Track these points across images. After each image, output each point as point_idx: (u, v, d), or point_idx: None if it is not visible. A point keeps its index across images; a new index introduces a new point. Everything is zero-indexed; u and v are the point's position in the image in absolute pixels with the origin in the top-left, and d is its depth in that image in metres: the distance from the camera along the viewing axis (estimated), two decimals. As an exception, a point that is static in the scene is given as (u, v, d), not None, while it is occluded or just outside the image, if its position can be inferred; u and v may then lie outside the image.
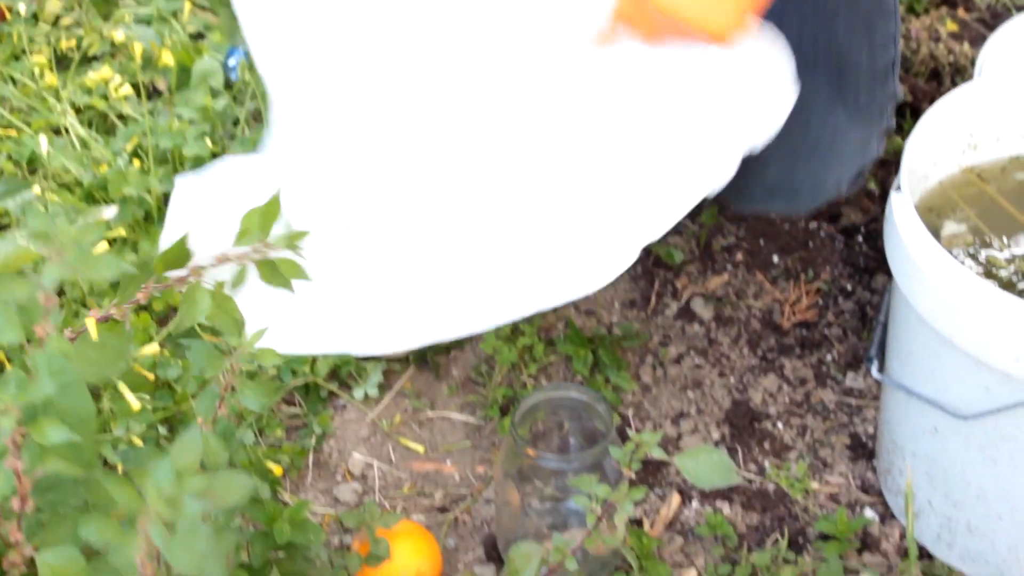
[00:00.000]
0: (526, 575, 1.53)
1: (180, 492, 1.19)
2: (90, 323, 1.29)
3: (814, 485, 1.77)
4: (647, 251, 2.00)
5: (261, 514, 1.46)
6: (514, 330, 1.89)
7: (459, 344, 1.89)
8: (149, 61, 2.19)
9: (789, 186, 1.54)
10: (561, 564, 1.51)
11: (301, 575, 1.49)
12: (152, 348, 1.50)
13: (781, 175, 1.52)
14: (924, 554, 1.70)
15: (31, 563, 1.21)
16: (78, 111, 2.12)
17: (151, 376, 1.54)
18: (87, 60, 2.26)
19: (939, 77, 2.21)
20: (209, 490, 1.28)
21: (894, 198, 1.56)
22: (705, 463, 1.44)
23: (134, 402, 1.46)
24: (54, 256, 1.20)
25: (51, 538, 1.24)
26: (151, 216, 1.91)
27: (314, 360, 1.84)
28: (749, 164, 1.50)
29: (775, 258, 2.01)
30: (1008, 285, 1.57)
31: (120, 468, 1.63)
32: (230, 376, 1.39)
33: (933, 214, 1.65)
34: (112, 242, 1.88)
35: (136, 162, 1.94)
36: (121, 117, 2.13)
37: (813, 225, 2.04)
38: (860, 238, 2.03)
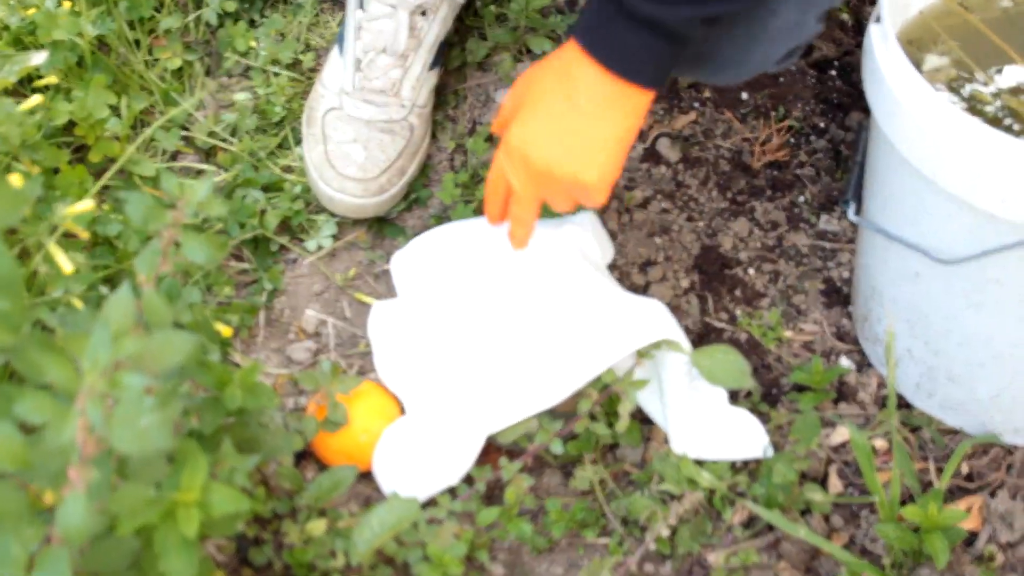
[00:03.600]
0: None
1: (117, 360, 1.11)
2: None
3: (788, 334, 1.70)
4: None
5: (210, 378, 1.37)
6: (473, 177, 1.80)
7: (417, 197, 1.79)
8: None
9: (714, 59, 1.50)
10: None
11: (255, 442, 1.42)
12: (86, 205, 1.40)
13: (707, 48, 1.47)
14: (903, 403, 1.64)
15: (-36, 440, 1.13)
16: (3, -50, 1.99)
17: (84, 234, 1.44)
18: None
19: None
20: (146, 352, 1.19)
21: (874, 30, 1.46)
22: (721, 362, 1.44)
23: (66, 264, 1.36)
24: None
25: (-13, 414, 1.16)
26: (84, 62, 1.80)
27: (263, 212, 1.75)
28: None
29: (744, 95, 1.92)
30: (994, 121, 1.48)
31: (58, 334, 1.55)
32: (173, 230, 1.30)
33: (913, 47, 1.56)
34: (44, 90, 1.76)
35: (66, 3, 1.81)
36: (49, -45, 2.01)
37: (783, 60, 1.95)
38: (833, 72, 1.94)
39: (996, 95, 1.51)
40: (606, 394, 1.49)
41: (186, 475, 1.24)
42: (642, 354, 1.48)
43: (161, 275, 1.32)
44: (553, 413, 1.51)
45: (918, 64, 1.54)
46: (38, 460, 1.15)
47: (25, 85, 1.79)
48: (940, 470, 1.58)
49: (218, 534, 1.30)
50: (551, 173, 1.45)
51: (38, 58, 1.54)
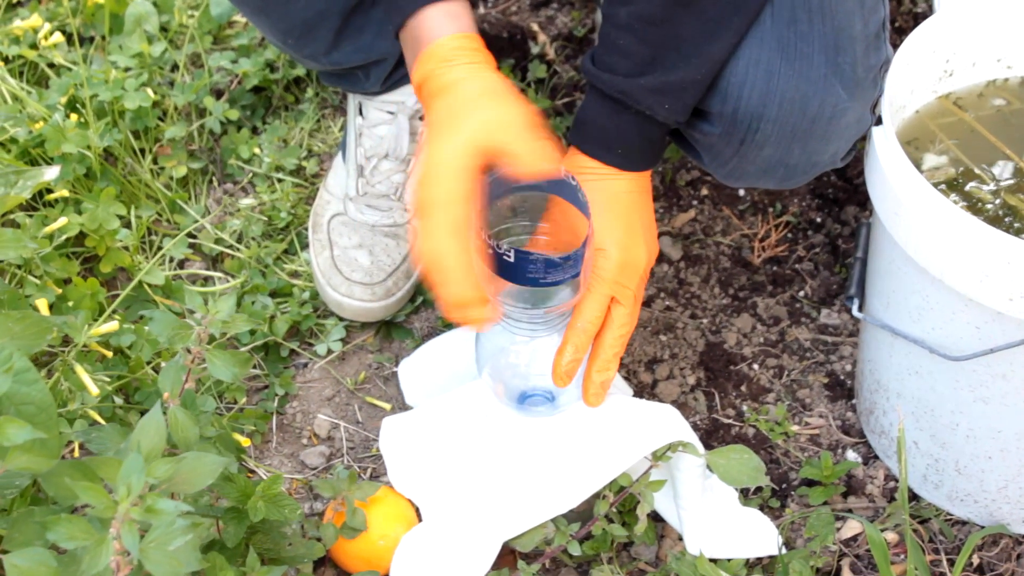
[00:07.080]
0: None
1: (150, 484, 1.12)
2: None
3: (794, 428, 1.72)
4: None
5: (233, 491, 1.39)
6: (478, 279, 1.83)
7: (425, 299, 1.82)
8: (79, 5, 2.09)
9: (784, 164, 1.48)
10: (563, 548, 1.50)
11: (277, 551, 1.43)
12: (111, 325, 1.41)
13: (777, 155, 1.47)
14: (910, 494, 1.66)
15: (-2, 564, 1.14)
16: (6, 61, 2.02)
17: (109, 353, 1.45)
18: (12, 7, 2.15)
19: (898, -4, 2.16)
20: (177, 475, 1.21)
21: (876, 133, 1.50)
22: (736, 462, 1.48)
23: (92, 387, 1.37)
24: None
25: (19, 538, 1.17)
26: (92, 173, 1.82)
27: (272, 318, 1.77)
28: (744, 145, 1.44)
29: (741, 191, 1.95)
30: (995, 220, 1.52)
31: (76, 448, 1.56)
32: (197, 347, 1.32)
33: (912, 147, 1.60)
34: (54, 203, 1.78)
35: (73, 116, 1.84)
36: (52, 66, 2.03)
37: (778, 156, 1.98)
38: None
39: (995, 193, 1.54)
40: (622, 495, 1.50)
41: (216, 593, 1.26)
42: (658, 456, 1.50)
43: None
44: (569, 515, 1.53)
45: (918, 164, 1.57)
46: (71, 583, 1.16)
47: (36, 198, 1.81)
48: (951, 562, 1.59)
49: (246, 648, 1.31)
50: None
51: (51, 173, 1.55)
